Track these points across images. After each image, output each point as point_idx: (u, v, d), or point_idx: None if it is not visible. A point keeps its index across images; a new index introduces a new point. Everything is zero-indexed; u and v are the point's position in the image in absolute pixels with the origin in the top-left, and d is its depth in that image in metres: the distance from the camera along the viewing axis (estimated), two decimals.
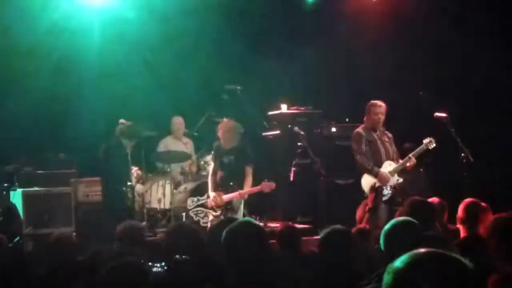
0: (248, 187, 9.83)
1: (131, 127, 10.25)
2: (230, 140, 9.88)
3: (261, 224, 4.14)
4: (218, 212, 9.86)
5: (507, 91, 12.19)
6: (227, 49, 12.34)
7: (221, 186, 9.96)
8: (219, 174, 10.04)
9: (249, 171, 9.92)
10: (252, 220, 4.18)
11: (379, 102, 9.83)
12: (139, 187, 10.75)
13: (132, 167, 10.56)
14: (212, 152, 10.16)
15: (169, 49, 12.31)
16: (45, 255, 5.54)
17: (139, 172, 10.73)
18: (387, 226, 4.30)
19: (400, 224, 4.37)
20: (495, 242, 4.88)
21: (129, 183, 10.49)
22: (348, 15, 13.01)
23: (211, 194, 9.92)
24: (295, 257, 5.76)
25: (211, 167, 10.20)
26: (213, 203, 9.88)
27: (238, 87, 11.62)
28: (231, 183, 9.85)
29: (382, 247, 4.24)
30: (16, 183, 10.35)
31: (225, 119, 10.24)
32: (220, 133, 9.93)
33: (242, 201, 10.04)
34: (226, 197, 9.84)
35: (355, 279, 4.51)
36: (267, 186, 9.87)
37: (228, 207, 9.90)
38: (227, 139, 9.88)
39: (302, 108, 11.93)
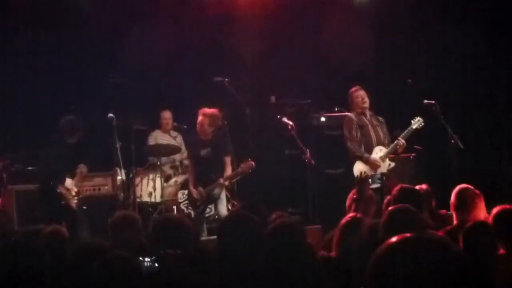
0: (225, 179, 9.92)
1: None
2: (207, 131, 9.94)
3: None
4: (200, 208, 9.91)
5: (497, 78, 12.25)
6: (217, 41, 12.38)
7: (201, 180, 9.99)
8: (198, 168, 10.08)
9: (227, 161, 10.02)
10: (245, 212, 4.19)
11: (354, 88, 10.00)
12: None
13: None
14: (189, 151, 10.24)
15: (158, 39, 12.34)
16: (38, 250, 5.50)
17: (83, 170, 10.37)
18: (385, 215, 4.31)
19: (397, 211, 4.37)
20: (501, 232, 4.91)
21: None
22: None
23: (193, 190, 9.95)
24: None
25: (190, 165, 10.25)
26: (198, 199, 9.92)
27: (226, 79, 11.59)
28: (211, 175, 9.90)
29: (381, 235, 4.25)
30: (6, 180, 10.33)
31: (202, 111, 10.24)
32: (198, 126, 9.99)
33: (224, 191, 10.10)
34: (206, 189, 9.90)
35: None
36: (247, 166, 9.91)
37: (210, 198, 9.95)
38: (205, 131, 9.93)
39: (290, 99, 11.92)
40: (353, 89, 10.07)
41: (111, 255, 3.95)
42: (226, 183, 10.08)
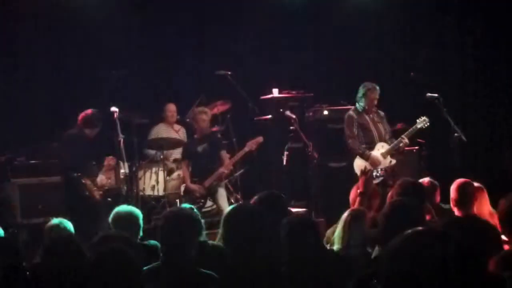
0: (225, 166, 10.00)
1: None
2: (205, 128, 10.06)
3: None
4: (200, 203, 9.95)
5: (499, 71, 12.23)
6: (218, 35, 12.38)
7: (200, 175, 10.06)
8: (194, 165, 10.22)
9: (224, 154, 10.15)
10: (250, 204, 4.20)
11: (375, 87, 9.88)
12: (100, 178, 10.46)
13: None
14: (183, 151, 10.30)
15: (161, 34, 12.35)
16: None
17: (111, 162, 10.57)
18: (385, 209, 4.30)
19: (399, 205, 4.36)
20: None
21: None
22: None
23: (191, 186, 10.02)
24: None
25: (183, 166, 10.36)
26: (198, 195, 9.97)
27: (229, 73, 11.59)
28: (209, 169, 10.00)
29: (381, 229, 4.24)
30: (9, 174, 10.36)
31: (196, 109, 10.38)
32: (195, 119, 10.10)
33: (223, 185, 10.14)
34: (207, 182, 9.97)
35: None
36: (254, 143, 9.96)
37: (211, 191, 10.00)
38: (203, 127, 10.04)
39: (293, 92, 11.91)
40: (371, 86, 9.90)
41: (108, 248, 3.95)
42: (226, 171, 10.20)
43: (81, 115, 9.89)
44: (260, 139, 10.05)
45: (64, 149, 9.86)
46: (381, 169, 9.70)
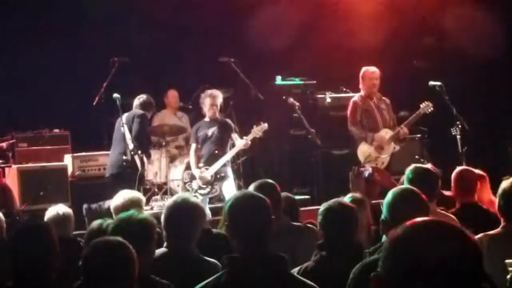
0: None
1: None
2: (215, 111, 9.99)
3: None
4: (207, 190, 9.92)
5: (502, 60, 12.20)
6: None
7: (207, 160, 10.01)
8: (204, 149, 10.12)
9: (235, 137, 10.05)
10: (254, 192, 4.16)
11: (372, 68, 9.93)
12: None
13: None
14: (193, 133, 10.24)
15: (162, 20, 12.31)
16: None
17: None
18: (389, 195, 4.26)
19: (403, 192, 4.33)
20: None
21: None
22: None
23: (196, 171, 9.98)
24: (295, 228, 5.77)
25: (192, 148, 10.26)
26: (206, 179, 9.93)
27: (232, 59, 11.57)
28: (218, 154, 9.94)
29: (384, 216, 4.22)
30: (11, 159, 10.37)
31: (208, 91, 10.26)
32: (206, 106, 10.02)
33: (229, 168, 10.13)
34: (212, 168, 9.92)
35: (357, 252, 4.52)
36: (259, 130, 9.92)
37: (217, 176, 9.95)
38: (213, 110, 9.97)
39: (296, 79, 11.89)
40: (370, 69, 9.94)
41: (103, 240, 3.93)
42: (233, 153, 10.16)
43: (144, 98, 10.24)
44: (265, 126, 10.03)
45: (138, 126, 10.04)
46: (372, 166, 9.64)
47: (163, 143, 10.92)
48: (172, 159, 11.20)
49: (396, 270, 2.03)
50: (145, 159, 10.02)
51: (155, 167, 11.12)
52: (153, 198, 10.72)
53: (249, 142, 9.96)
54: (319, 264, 4.56)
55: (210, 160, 10.02)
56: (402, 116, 10.51)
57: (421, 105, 9.89)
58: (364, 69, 9.98)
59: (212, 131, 10.03)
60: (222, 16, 12.40)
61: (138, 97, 10.29)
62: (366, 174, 9.36)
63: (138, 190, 8.89)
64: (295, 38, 12.45)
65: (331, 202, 4.83)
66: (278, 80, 11.84)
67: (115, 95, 10.12)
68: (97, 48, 11.60)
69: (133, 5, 12.03)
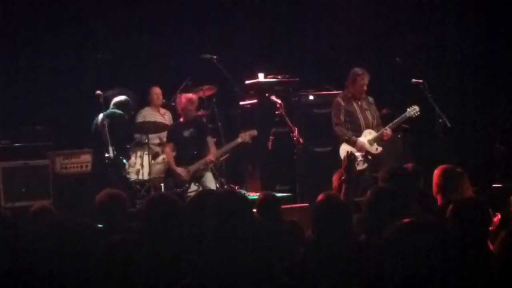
0: (214, 155, 9.93)
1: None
2: (192, 112, 10.05)
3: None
4: (185, 186, 9.95)
5: (485, 56, 12.26)
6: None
7: (186, 160, 10.06)
8: (180, 150, 10.17)
9: (210, 141, 10.14)
10: (236, 190, 4.18)
11: (365, 73, 9.86)
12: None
13: None
14: (168, 134, 10.28)
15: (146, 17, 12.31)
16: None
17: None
18: (370, 195, 4.30)
19: (384, 192, 4.36)
20: None
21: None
22: None
23: (178, 169, 10.01)
24: (276, 226, 5.77)
25: (167, 149, 10.32)
26: (185, 178, 9.95)
27: (215, 57, 11.57)
28: (195, 154, 9.98)
29: (367, 215, 4.25)
30: None
31: (182, 96, 10.36)
32: (182, 107, 10.08)
33: (210, 170, 10.15)
34: (193, 167, 9.97)
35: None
36: (248, 135, 9.96)
37: (197, 175, 9.99)
38: (189, 112, 10.03)
39: (279, 77, 11.88)
40: (360, 71, 9.87)
41: (116, 239, 3.94)
42: (214, 159, 10.16)
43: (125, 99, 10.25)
44: (254, 132, 10.04)
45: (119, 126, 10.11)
46: (365, 155, 9.71)
47: (146, 140, 10.90)
48: (154, 156, 11.19)
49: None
50: (124, 160, 10.05)
51: (138, 164, 11.09)
52: (138, 195, 10.72)
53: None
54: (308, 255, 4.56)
55: (190, 161, 10.08)
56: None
57: (408, 109, 9.91)
58: (355, 71, 9.91)
59: (189, 132, 10.14)
60: (205, 12, 12.38)
61: (116, 97, 10.31)
62: (362, 159, 9.49)
63: (121, 188, 8.87)
64: (277, 35, 12.47)
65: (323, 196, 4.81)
66: (261, 77, 11.84)
67: (98, 92, 10.10)
68: (80, 45, 11.58)
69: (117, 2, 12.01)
